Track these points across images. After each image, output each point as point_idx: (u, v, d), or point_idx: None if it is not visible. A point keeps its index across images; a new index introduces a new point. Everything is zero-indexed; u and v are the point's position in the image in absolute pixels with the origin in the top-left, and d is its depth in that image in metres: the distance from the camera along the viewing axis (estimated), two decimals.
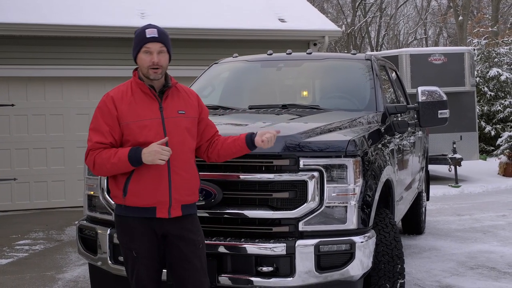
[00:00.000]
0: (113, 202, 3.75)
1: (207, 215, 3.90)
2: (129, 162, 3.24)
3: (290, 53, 6.09)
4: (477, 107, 15.34)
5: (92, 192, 4.33)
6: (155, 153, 3.20)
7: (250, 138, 3.48)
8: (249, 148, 3.50)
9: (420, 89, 5.14)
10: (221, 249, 3.80)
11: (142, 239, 3.39)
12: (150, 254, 3.41)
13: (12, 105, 10.36)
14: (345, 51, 37.30)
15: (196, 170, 3.48)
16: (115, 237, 3.79)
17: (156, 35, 3.35)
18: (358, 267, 3.77)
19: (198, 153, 3.60)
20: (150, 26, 3.40)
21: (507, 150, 14.49)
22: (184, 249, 3.39)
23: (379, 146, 4.49)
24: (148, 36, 3.33)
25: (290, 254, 3.70)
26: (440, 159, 12.92)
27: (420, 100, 5.05)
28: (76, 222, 4.57)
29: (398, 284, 4.13)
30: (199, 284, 3.42)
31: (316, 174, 3.75)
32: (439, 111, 5.06)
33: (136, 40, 3.39)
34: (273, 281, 3.73)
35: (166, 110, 3.37)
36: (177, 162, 3.34)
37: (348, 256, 3.75)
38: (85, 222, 4.42)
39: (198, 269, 3.41)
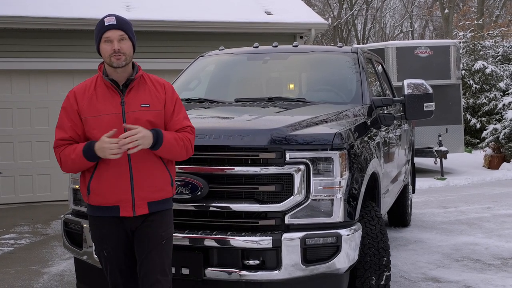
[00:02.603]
0: None
1: (193, 208, 3.89)
2: (85, 157, 3.16)
3: (276, 46, 6.07)
4: (463, 100, 15.41)
5: (77, 186, 4.30)
6: (104, 148, 3.10)
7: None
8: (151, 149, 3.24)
9: (406, 82, 5.16)
10: (208, 243, 3.80)
11: (110, 238, 3.33)
12: (120, 253, 3.35)
13: None
14: (332, 44, 37.32)
15: (163, 165, 3.31)
16: None
17: (115, 22, 3.24)
18: (344, 259, 3.78)
19: None
20: (108, 15, 3.29)
21: (492, 143, 14.60)
22: (146, 245, 3.30)
23: (365, 139, 4.50)
24: (106, 24, 3.23)
25: (277, 247, 3.70)
26: (426, 152, 12.98)
27: (406, 93, 5.07)
28: (62, 216, 4.54)
29: (384, 277, 4.14)
30: (155, 283, 3.29)
31: (302, 167, 3.75)
32: (425, 104, 5.08)
33: (96, 30, 3.29)
34: (260, 274, 3.73)
35: (127, 104, 3.25)
36: (138, 159, 3.21)
37: (334, 249, 3.76)
38: (70, 216, 4.39)
39: (156, 266, 3.30)
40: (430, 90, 5.12)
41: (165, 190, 3.34)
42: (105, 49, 3.24)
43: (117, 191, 3.22)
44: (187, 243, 3.83)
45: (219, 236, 3.79)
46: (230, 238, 3.77)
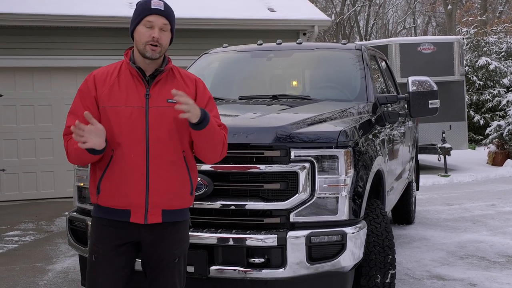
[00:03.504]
0: None
1: (198, 206, 3.88)
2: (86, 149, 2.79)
3: (280, 43, 6.06)
4: (466, 96, 15.40)
5: (82, 184, 4.30)
6: (74, 135, 2.73)
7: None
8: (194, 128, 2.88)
9: (410, 79, 5.13)
10: (212, 241, 3.78)
11: (105, 242, 2.94)
12: (111, 261, 2.93)
13: (0, 95, 10.25)
14: (334, 41, 37.29)
15: (186, 171, 2.96)
16: None
17: (162, 8, 2.89)
18: (349, 258, 3.77)
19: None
20: None
21: (496, 140, 14.57)
22: (156, 264, 2.97)
23: (370, 136, 4.49)
24: (153, 7, 2.87)
25: (282, 245, 3.68)
26: (429, 149, 12.97)
27: (410, 90, 5.04)
28: (66, 213, 4.54)
29: (389, 275, 4.14)
30: None
31: (307, 165, 3.74)
32: (430, 101, 5.05)
33: (138, 10, 2.92)
34: (265, 272, 3.72)
35: (152, 97, 2.89)
36: (158, 161, 2.86)
37: (339, 247, 3.74)
38: (75, 213, 4.39)
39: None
40: (435, 87, 5.09)
41: (184, 198, 2.99)
42: (143, 33, 2.88)
43: (129, 194, 2.86)
44: (192, 241, 3.80)
45: (224, 234, 3.78)
46: (235, 236, 3.76)
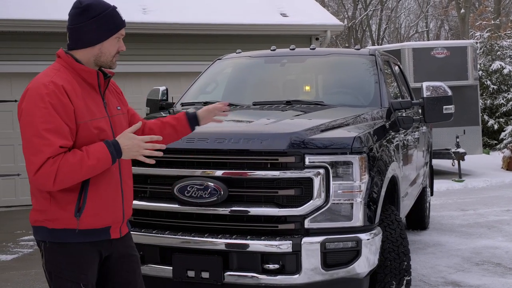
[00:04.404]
0: None
1: (212, 212, 3.88)
2: (112, 160, 2.60)
3: (293, 49, 6.07)
4: (480, 100, 15.31)
5: None
6: (138, 147, 2.61)
7: (193, 119, 3.12)
8: (190, 124, 3.11)
9: (425, 84, 5.12)
10: (227, 247, 3.79)
11: (93, 269, 2.75)
12: (95, 284, 2.80)
13: (15, 100, 10.34)
14: (346, 45, 37.25)
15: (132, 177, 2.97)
16: None
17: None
18: (364, 264, 3.77)
19: None
20: (116, 7, 2.80)
21: (511, 144, 14.47)
22: (129, 270, 2.90)
23: (384, 142, 4.48)
24: (123, 20, 2.79)
25: (296, 252, 3.69)
26: (443, 154, 12.89)
27: (425, 96, 5.03)
28: None
29: (405, 281, 4.12)
30: None
31: (321, 171, 3.74)
32: (444, 107, 5.05)
33: (112, 23, 2.73)
34: (279, 278, 3.72)
35: (108, 106, 2.78)
36: (125, 169, 2.81)
37: (355, 253, 3.74)
38: None
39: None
40: (450, 93, 5.08)
41: (132, 205, 2.97)
42: (114, 46, 2.75)
43: (113, 210, 2.73)
44: (207, 247, 3.84)
45: (239, 241, 3.79)
46: (249, 242, 3.76)
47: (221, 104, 3.24)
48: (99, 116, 2.67)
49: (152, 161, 2.70)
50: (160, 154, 2.72)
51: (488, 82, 18.09)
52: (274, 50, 6.13)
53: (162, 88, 5.91)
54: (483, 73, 18.08)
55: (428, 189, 8.05)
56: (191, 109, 3.24)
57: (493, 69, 18.07)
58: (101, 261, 2.79)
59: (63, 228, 2.64)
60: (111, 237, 2.75)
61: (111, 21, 2.73)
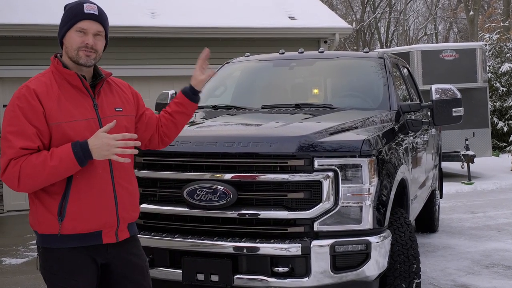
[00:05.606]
0: None
1: (222, 215, 3.89)
2: (77, 161, 2.52)
3: (302, 52, 6.07)
4: (489, 103, 15.23)
5: None
6: (107, 146, 2.53)
7: (191, 92, 3.06)
8: (192, 100, 3.06)
9: (434, 87, 5.12)
10: (236, 250, 3.80)
11: (85, 276, 2.70)
12: None
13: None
14: (355, 48, 37.22)
15: (136, 179, 2.92)
16: None
17: (97, 13, 2.70)
18: (373, 267, 3.76)
19: (153, 145, 3.09)
20: (89, 1, 2.72)
21: None
22: (132, 280, 2.82)
23: (393, 145, 4.47)
24: (86, 11, 2.66)
25: (306, 255, 3.69)
26: (452, 156, 12.85)
27: (434, 98, 5.03)
28: None
29: (414, 284, 4.11)
30: None
31: (331, 174, 3.74)
32: (454, 109, 5.04)
33: (69, 15, 2.68)
34: (289, 281, 3.72)
35: (101, 107, 2.74)
36: (120, 172, 2.74)
37: (364, 256, 3.74)
38: None
39: None
40: (459, 95, 5.07)
41: (138, 208, 2.92)
42: (75, 39, 2.66)
43: (102, 213, 2.66)
44: (216, 250, 3.84)
45: (248, 244, 3.79)
46: (259, 245, 3.76)
47: (203, 55, 3.10)
48: (80, 118, 2.64)
49: (128, 160, 2.60)
50: (136, 152, 2.64)
51: (498, 84, 18.01)
52: (282, 53, 6.15)
53: (171, 92, 5.94)
54: (492, 75, 18.00)
55: (438, 192, 8.03)
56: (184, 87, 3.13)
57: (502, 71, 17.99)
58: (98, 268, 2.74)
59: (48, 233, 2.65)
60: (103, 242, 2.70)
61: (71, 15, 2.69)
